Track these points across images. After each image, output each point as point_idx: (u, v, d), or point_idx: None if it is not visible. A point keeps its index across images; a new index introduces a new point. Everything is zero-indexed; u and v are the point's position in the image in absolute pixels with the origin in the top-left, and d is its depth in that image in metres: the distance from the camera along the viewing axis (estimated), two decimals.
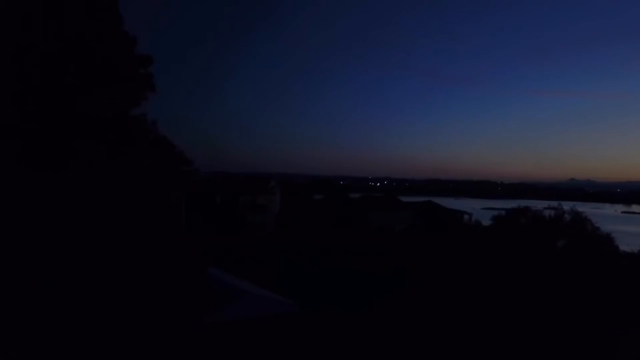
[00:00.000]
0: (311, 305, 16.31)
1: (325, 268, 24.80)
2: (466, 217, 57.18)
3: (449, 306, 18.50)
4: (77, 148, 10.49)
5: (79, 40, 10.80)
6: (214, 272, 16.28)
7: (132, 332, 10.78)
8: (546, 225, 29.64)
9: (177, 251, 13.08)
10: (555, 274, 22.00)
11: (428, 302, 19.08)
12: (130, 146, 11.84)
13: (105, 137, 11.21)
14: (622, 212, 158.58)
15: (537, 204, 58.31)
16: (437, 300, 19.18)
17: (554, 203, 34.67)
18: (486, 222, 35.86)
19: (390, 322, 16.70)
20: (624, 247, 29.64)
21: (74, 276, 10.10)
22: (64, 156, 10.31)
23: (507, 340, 15.64)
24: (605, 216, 78.34)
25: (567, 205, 31.29)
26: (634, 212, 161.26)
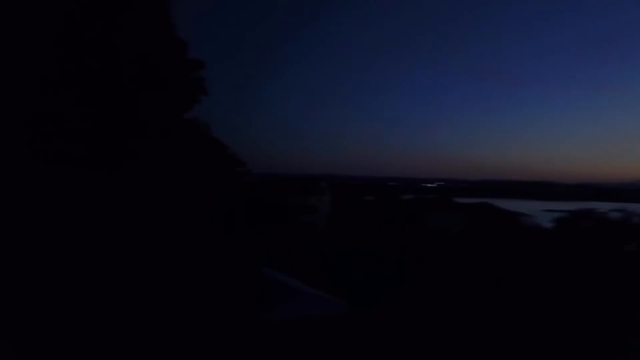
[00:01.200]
0: (361, 305, 16.20)
1: (375, 269, 24.57)
2: (525, 219, 54.90)
3: (507, 312, 17.78)
4: (132, 150, 10.99)
5: (135, 46, 11.34)
6: (267, 271, 16.54)
7: (189, 329, 11.10)
8: (613, 228, 27.92)
9: (231, 251, 13.36)
10: (624, 279, 20.63)
11: (482, 304, 18.44)
12: (184, 148, 12.26)
13: (160, 140, 11.67)
14: None
15: (603, 206, 54.91)
16: (494, 305, 18.49)
17: (622, 205, 32.59)
18: (547, 224, 34.30)
19: (443, 325, 16.28)
20: None
21: (131, 274, 10.55)
22: (119, 158, 10.83)
23: (576, 348, 14.83)
24: None
25: (636, 207, 29.35)
26: None
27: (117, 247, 10.57)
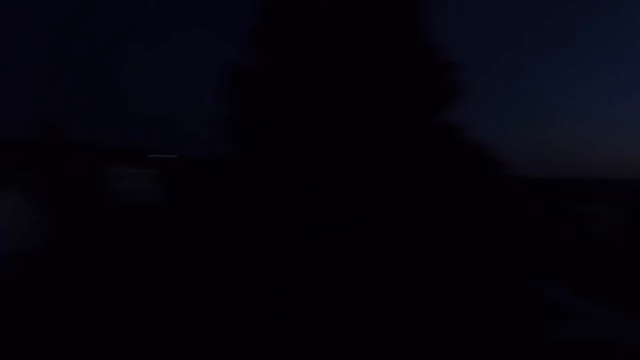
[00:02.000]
0: None
1: None
2: None
3: None
4: (390, 152, 11.67)
5: (390, 53, 12.08)
6: (546, 286, 15.24)
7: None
8: None
9: (501, 260, 12.72)
10: None
11: None
12: (437, 151, 12.39)
13: (414, 143, 12.07)
14: None
15: None
16: None
17: None
18: None
19: None
20: None
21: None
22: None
23: None
24: None
25: None
26: None
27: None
